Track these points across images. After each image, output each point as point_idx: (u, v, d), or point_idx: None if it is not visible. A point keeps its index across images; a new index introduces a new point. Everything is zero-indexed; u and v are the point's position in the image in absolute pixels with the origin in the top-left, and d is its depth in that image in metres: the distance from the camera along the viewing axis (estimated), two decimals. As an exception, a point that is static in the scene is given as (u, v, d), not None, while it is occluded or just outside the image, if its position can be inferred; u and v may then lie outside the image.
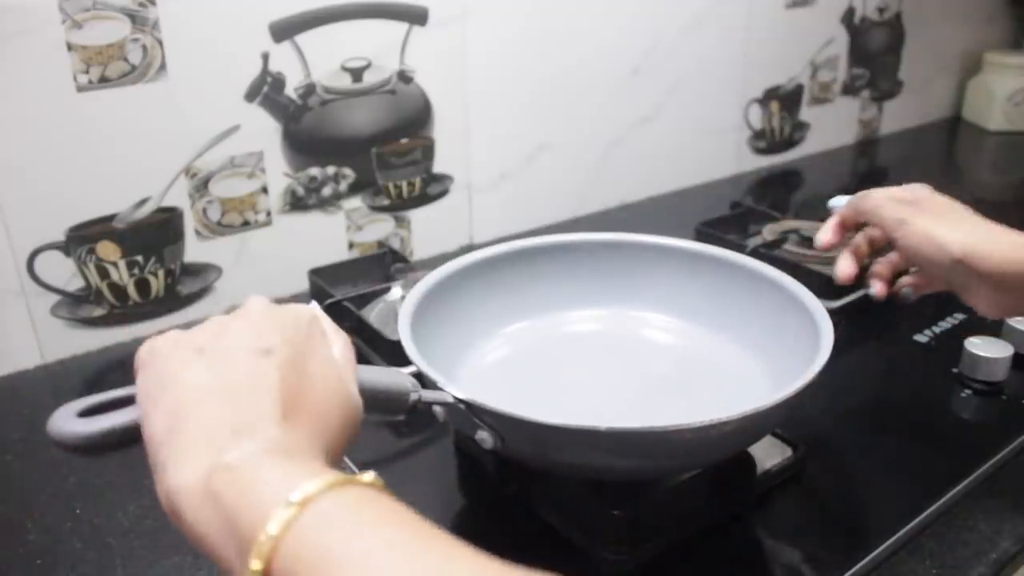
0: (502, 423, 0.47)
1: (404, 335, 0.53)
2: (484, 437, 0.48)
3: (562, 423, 0.45)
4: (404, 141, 0.94)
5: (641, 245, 0.69)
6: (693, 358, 0.64)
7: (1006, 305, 0.58)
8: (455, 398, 0.47)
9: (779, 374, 0.56)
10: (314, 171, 0.89)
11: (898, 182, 0.62)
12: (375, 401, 0.44)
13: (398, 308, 0.79)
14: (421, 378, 0.48)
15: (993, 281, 0.56)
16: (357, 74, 0.89)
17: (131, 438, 0.36)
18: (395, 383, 0.45)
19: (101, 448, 0.37)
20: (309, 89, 0.86)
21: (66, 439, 0.36)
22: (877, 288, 0.65)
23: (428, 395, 0.47)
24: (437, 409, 0.49)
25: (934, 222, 0.58)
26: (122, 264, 0.80)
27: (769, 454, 0.60)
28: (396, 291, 0.82)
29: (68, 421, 0.37)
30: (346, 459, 0.62)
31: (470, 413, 0.47)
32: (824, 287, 0.84)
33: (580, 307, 0.68)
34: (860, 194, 0.64)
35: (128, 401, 0.38)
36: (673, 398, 0.60)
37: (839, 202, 0.67)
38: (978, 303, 0.58)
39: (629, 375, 0.64)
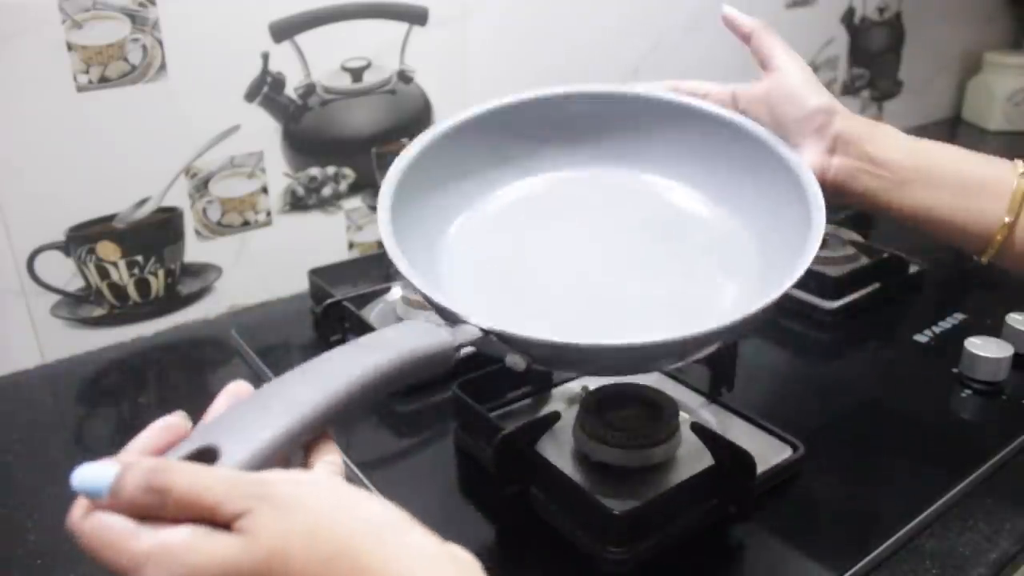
0: (533, 347, 0.46)
1: (401, 265, 0.50)
2: (515, 360, 0.47)
3: (594, 343, 0.45)
4: (404, 141, 0.94)
5: (630, 99, 0.64)
6: (682, 223, 0.61)
7: (828, 172, 0.57)
8: (483, 330, 0.46)
9: (770, 247, 0.55)
10: (314, 171, 0.89)
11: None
12: (417, 367, 0.42)
13: (398, 308, 0.80)
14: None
15: (839, 140, 0.57)
16: (357, 74, 0.89)
17: None
18: (436, 343, 0.44)
19: None
20: (309, 89, 0.86)
21: None
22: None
23: (462, 337, 0.45)
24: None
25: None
26: (122, 264, 0.80)
27: (769, 454, 0.60)
28: (396, 291, 0.82)
29: None
30: (347, 460, 0.62)
31: (499, 340, 0.46)
32: (823, 287, 0.84)
33: (563, 168, 0.64)
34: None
35: None
36: (662, 274, 0.58)
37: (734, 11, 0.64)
38: (805, 153, 0.57)
39: (618, 242, 0.61)
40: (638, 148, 0.64)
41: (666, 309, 0.51)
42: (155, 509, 0.32)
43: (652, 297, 0.52)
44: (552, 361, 0.48)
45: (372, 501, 0.34)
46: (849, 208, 0.56)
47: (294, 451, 0.37)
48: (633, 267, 0.59)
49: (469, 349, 0.46)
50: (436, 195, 0.59)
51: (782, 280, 0.48)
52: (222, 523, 0.32)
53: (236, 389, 0.39)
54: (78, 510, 0.33)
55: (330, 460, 0.37)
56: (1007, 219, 0.54)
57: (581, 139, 0.64)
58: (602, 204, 0.63)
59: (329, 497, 0.33)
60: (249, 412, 0.38)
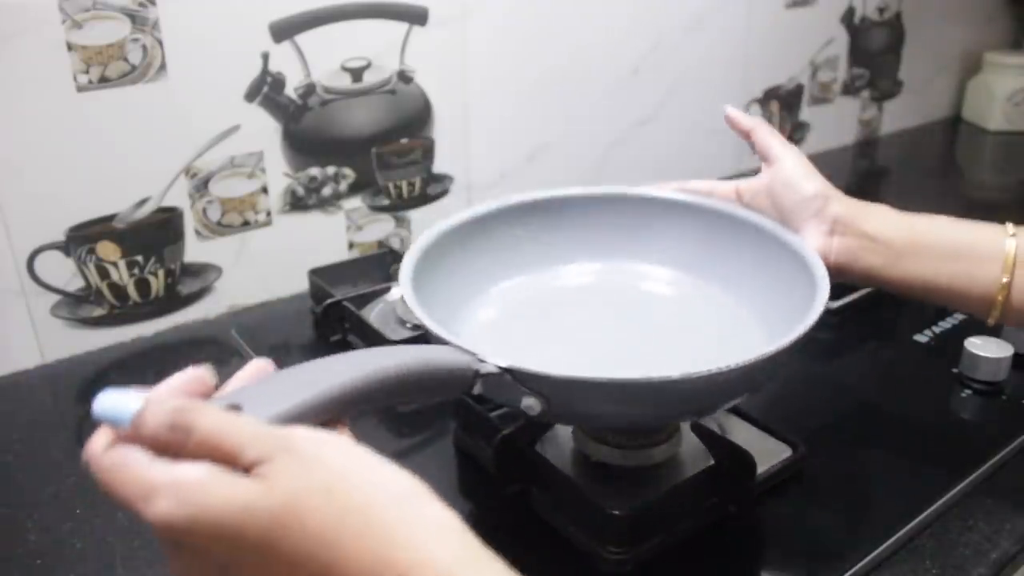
0: (550, 386, 0.47)
1: (418, 311, 0.52)
2: (530, 404, 0.47)
3: (613, 378, 0.45)
4: (404, 141, 0.94)
5: (638, 199, 0.70)
6: (690, 309, 0.65)
7: (830, 254, 0.59)
8: (500, 368, 0.46)
9: (773, 324, 0.57)
10: (314, 171, 0.89)
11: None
12: (436, 378, 0.43)
13: (398, 308, 0.80)
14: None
15: (837, 222, 0.59)
16: (357, 74, 0.89)
17: None
18: (458, 361, 0.45)
19: None
20: (309, 89, 0.86)
21: None
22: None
23: (482, 367, 0.46)
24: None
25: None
26: (122, 264, 0.80)
27: (769, 454, 0.60)
28: (396, 291, 0.82)
29: None
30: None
31: (515, 381, 0.47)
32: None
33: (574, 261, 0.69)
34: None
35: None
36: (672, 347, 0.61)
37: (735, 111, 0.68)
38: (808, 237, 0.60)
39: (626, 326, 0.64)
40: (644, 242, 0.69)
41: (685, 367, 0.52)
42: (176, 447, 0.31)
43: (670, 363, 0.52)
44: (566, 404, 0.49)
45: (393, 469, 0.34)
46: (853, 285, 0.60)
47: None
48: (644, 344, 0.61)
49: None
50: (456, 274, 0.63)
51: (792, 329, 0.49)
52: (241, 468, 0.31)
53: (258, 366, 0.39)
54: (99, 441, 0.32)
55: None
56: (1004, 279, 0.56)
57: (590, 233, 0.69)
58: (611, 293, 0.67)
59: (350, 458, 0.33)
60: (274, 382, 0.38)
